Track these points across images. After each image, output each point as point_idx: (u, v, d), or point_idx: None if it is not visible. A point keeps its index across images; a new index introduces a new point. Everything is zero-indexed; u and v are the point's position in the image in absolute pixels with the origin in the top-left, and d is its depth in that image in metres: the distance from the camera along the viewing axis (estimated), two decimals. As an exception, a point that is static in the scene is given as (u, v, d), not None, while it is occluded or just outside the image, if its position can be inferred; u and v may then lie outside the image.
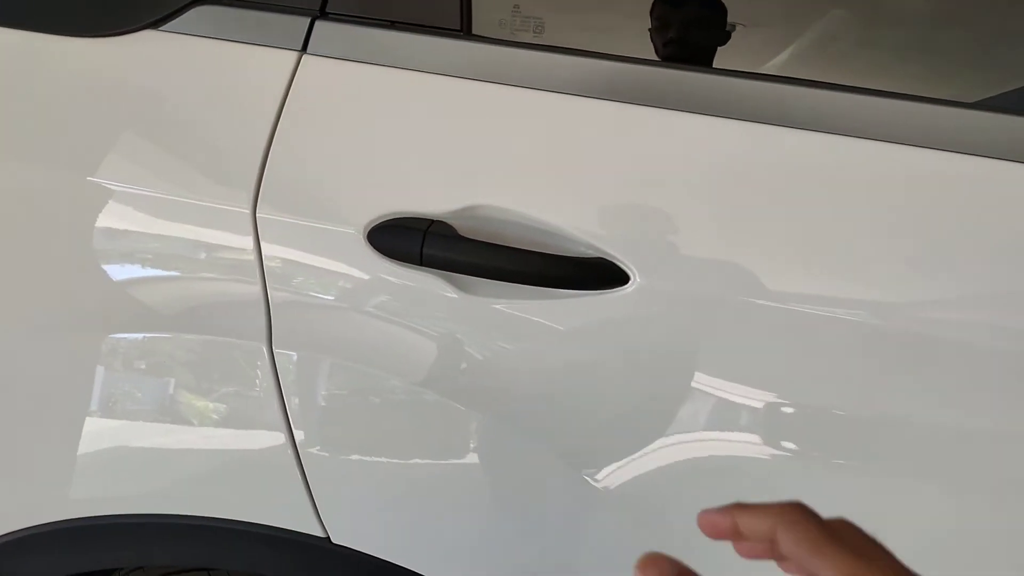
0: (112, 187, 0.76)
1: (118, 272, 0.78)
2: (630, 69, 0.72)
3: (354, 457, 0.80)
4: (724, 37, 1.38)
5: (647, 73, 0.72)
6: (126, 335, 0.80)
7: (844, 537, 0.33)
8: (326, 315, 0.76)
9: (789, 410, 0.72)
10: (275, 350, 0.77)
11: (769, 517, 0.34)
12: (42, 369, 0.83)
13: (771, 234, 0.69)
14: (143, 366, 0.83)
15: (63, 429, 0.84)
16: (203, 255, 0.77)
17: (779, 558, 0.35)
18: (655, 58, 0.80)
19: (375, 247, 0.73)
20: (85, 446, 0.85)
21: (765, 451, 0.71)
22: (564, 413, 0.76)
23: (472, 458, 0.80)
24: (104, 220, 0.77)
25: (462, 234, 0.73)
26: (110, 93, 0.78)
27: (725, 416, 0.72)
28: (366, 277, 0.74)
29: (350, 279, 0.75)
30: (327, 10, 0.76)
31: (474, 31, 0.76)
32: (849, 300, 0.69)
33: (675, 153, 0.71)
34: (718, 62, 0.87)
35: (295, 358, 0.78)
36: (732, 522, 0.36)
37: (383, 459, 0.80)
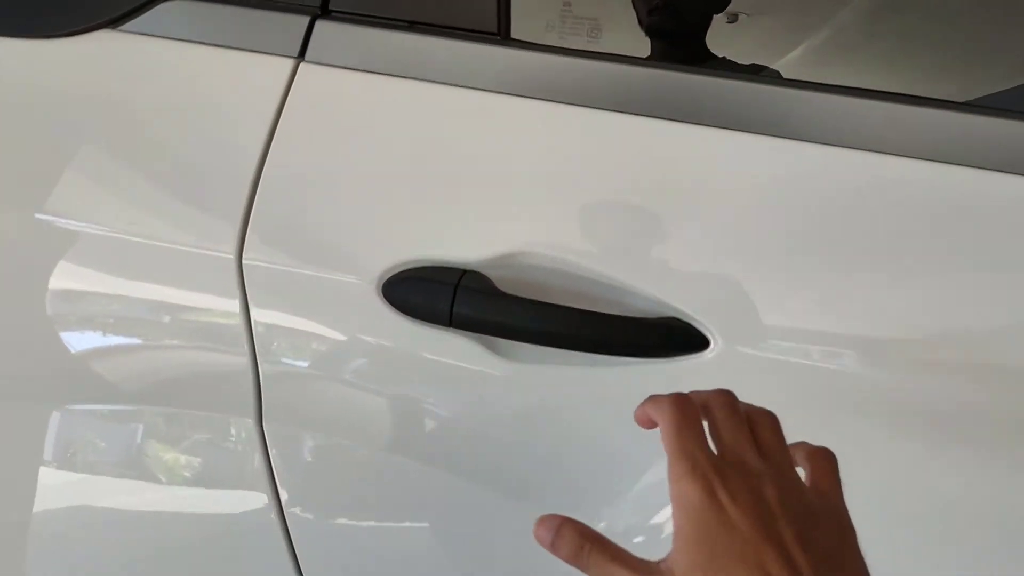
0: (61, 225, 0.61)
1: (76, 340, 0.63)
2: (712, 83, 0.58)
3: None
4: (722, 2, 1.25)
5: (735, 89, 0.58)
6: (88, 406, 0.65)
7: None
8: (330, 386, 0.61)
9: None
10: (265, 427, 0.62)
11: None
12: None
13: (885, 287, 0.56)
14: (105, 440, 0.68)
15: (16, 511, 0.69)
16: (173, 315, 0.62)
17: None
18: (762, 66, 0.65)
19: (391, 303, 0.58)
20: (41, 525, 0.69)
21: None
22: (604, 494, 0.62)
23: (503, 549, 0.66)
24: (56, 271, 0.61)
25: (500, 288, 0.58)
26: (56, 107, 0.62)
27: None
28: (379, 341, 0.60)
29: (359, 342, 0.60)
30: (330, 7, 0.61)
31: (514, 35, 0.62)
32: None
33: (769, 187, 0.57)
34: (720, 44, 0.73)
35: (289, 437, 0.63)
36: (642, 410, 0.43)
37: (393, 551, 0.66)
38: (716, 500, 0.37)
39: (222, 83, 0.61)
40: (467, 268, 0.58)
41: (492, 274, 0.59)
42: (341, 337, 0.60)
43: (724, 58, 1.23)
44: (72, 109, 0.63)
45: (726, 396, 0.43)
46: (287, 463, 0.64)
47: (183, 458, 0.66)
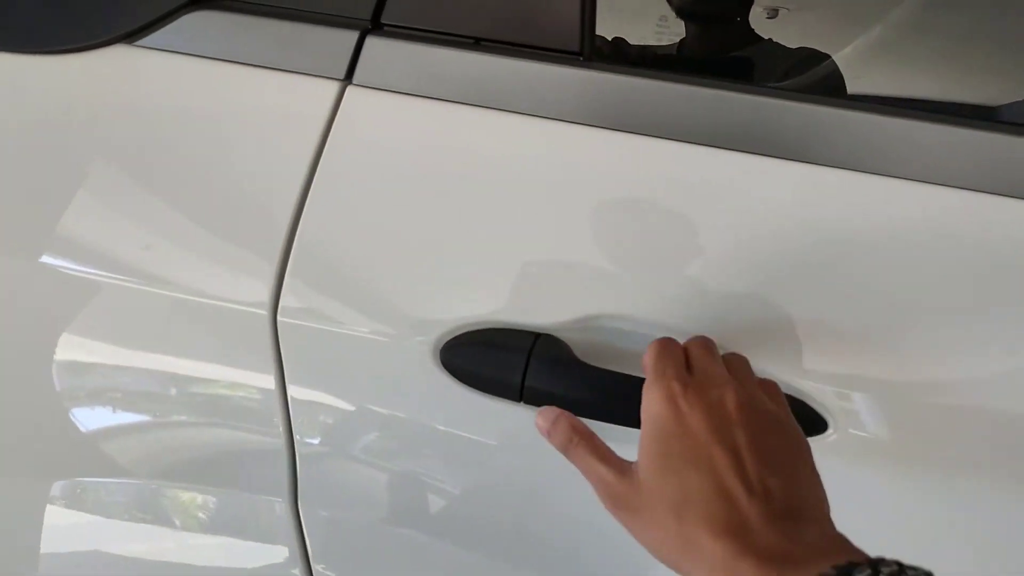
0: (66, 271, 0.53)
1: (85, 417, 0.55)
2: (838, 116, 0.48)
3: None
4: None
5: (866, 123, 0.48)
6: (97, 479, 0.57)
7: None
8: (376, 464, 0.53)
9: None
10: (301, 509, 0.54)
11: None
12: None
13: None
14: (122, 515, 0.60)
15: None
16: (197, 385, 0.54)
17: None
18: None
19: (450, 370, 0.50)
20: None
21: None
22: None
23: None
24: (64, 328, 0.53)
25: (579, 356, 0.50)
26: (63, 133, 0.54)
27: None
28: (436, 414, 0.51)
29: (412, 415, 0.52)
30: (382, 20, 0.52)
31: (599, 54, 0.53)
32: None
33: (902, 237, 0.48)
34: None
35: (328, 518, 0.55)
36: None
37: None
38: (676, 407, 0.40)
39: (255, 109, 0.53)
40: (540, 332, 0.50)
41: (569, 338, 0.50)
42: (391, 409, 0.52)
43: (771, 39, 1.13)
44: (78, 135, 0.54)
45: (704, 338, 0.46)
46: (326, 547, 0.55)
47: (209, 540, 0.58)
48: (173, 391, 0.55)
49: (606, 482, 0.41)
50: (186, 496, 0.59)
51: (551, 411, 0.44)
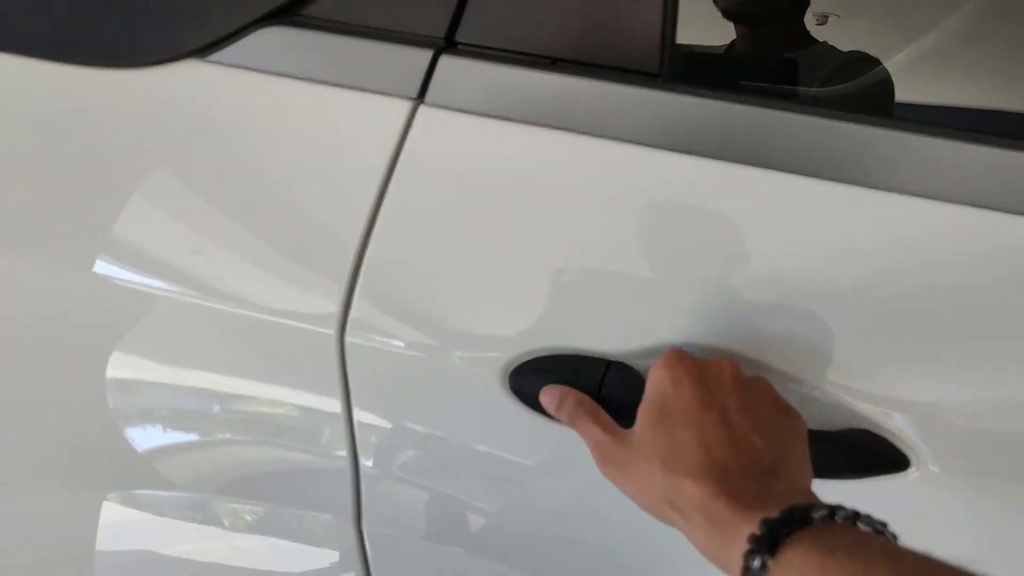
0: (121, 283, 0.53)
1: (138, 435, 0.55)
2: (948, 148, 0.46)
3: None
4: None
5: (982, 156, 0.46)
6: (147, 491, 0.57)
7: None
8: (442, 489, 0.52)
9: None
10: (364, 529, 0.53)
11: None
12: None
13: None
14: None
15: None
16: (259, 407, 0.53)
17: None
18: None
19: (520, 397, 0.49)
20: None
21: None
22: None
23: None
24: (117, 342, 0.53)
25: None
26: (129, 146, 0.54)
27: None
28: (503, 439, 0.51)
29: (479, 441, 0.51)
30: (456, 39, 0.51)
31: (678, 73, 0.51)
32: None
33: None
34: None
35: (391, 536, 0.54)
36: None
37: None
38: (675, 372, 0.43)
39: (324, 127, 0.52)
40: (611, 358, 0.49)
41: (639, 364, 0.49)
42: (456, 432, 0.51)
43: (825, 43, 1.10)
44: (144, 149, 0.54)
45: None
46: (388, 565, 0.55)
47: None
48: (235, 407, 0.55)
49: (601, 443, 0.44)
50: (241, 509, 0.60)
51: (557, 388, 0.47)
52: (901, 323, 0.46)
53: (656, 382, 0.44)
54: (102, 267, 0.53)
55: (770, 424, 0.42)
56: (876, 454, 0.47)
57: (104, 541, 0.62)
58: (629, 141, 0.49)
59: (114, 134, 0.54)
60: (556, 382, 0.49)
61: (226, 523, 0.61)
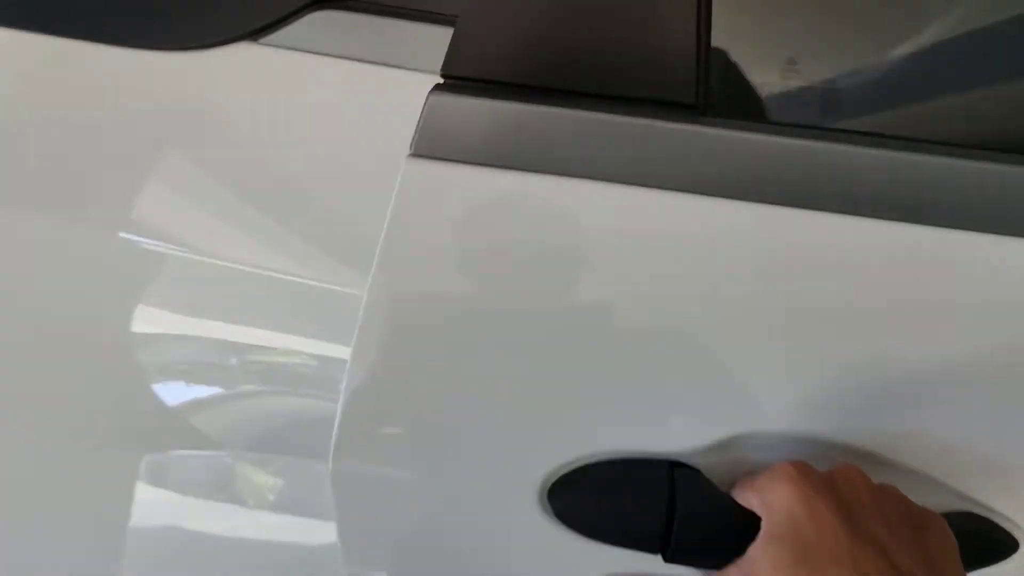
0: (171, 252, 0.51)
1: (174, 390, 0.54)
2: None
3: None
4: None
5: None
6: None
7: None
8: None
9: None
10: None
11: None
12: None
13: None
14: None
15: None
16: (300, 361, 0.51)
17: None
18: None
19: (562, 518, 0.43)
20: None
21: None
22: None
23: None
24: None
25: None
26: (183, 124, 0.52)
27: None
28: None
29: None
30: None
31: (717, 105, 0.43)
32: None
33: None
34: None
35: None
36: None
37: None
38: (806, 496, 0.35)
39: (377, 107, 0.49)
40: (674, 460, 0.42)
41: (708, 467, 0.42)
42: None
43: None
44: (197, 127, 0.52)
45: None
46: None
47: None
48: (264, 359, 0.52)
49: None
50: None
51: None
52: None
53: (781, 508, 0.35)
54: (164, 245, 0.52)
55: (923, 546, 0.35)
56: (985, 540, 0.39)
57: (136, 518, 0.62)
58: (659, 187, 0.41)
59: (168, 115, 0.53)
60: (606, 496, 0.42)
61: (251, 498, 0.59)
